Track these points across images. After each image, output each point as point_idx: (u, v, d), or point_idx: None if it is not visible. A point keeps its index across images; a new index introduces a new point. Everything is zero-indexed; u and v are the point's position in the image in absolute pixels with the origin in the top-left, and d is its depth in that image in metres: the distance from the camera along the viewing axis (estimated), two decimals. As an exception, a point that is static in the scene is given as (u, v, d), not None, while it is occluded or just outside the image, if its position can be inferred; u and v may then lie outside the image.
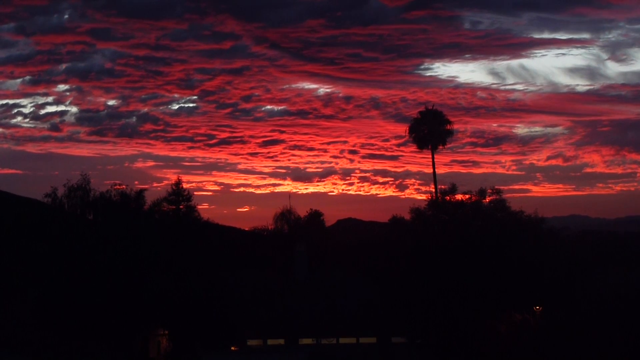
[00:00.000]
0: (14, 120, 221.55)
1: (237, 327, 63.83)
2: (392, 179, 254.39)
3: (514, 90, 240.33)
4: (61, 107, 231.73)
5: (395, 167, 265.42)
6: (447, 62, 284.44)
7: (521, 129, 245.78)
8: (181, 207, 78.53)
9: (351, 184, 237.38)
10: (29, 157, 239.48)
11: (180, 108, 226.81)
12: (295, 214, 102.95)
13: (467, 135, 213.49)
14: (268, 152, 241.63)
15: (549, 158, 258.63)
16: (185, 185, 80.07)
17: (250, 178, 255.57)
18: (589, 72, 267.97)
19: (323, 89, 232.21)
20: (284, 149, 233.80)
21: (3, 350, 55.35)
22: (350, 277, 74.56)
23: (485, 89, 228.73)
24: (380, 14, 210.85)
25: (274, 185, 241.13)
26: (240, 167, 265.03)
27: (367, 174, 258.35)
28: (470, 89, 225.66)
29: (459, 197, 72.27)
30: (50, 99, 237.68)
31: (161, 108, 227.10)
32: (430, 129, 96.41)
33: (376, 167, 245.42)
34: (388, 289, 66.98)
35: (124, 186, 71.50)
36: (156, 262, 63.35)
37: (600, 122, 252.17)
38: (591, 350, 54.61)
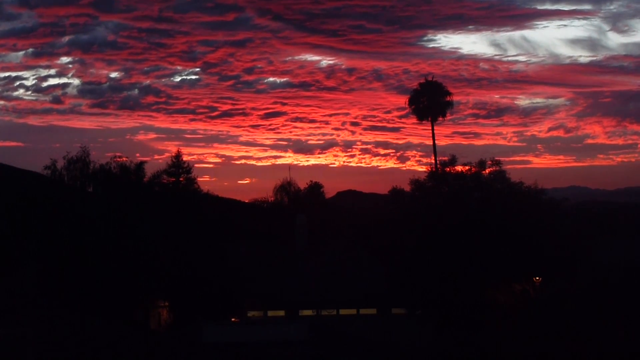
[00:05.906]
0: (16, 93, 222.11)
1: (238, 298, 64.02)
2: (394, 150, 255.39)
3: (517, 61, 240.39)
4: (63, 80, 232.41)
5: (397, 139, 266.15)
6: (450, 34, 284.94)
7: (523, 100, 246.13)
8: (181, 179, 78.39)
9: (352, 156, 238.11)
10: (31, 130, 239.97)
11: (182, 80, 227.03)
12: (295, 186, 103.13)
13: (469, 106, 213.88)
14: (270, 124, 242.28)
15: (550, 129, 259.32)
16: (186, 158, 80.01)
17: (251, 150, 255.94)
18: (590, 44, 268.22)
19: (326, 61, 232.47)
20: (286, 121, 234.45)
21: (3, 322, 55.44)
22: (350, 248, 74.70)
23: (488, 60, 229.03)
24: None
25: (275, 157, 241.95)
26: (241, 139, 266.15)
27: (369, 146, 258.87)
28: (472, 60, 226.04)
29: (459, 168, 72.17)
30: (52, 71, 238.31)
31: (163, 80, 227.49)
32: (429, 100, 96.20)
33: (378, 139, 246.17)
34: (388, 260, 67.09)
35: (124, 158, 71.37)
36: (156, 233, 63.36)
37: (601, 94, 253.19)
38: (589, 320, 54.80)
